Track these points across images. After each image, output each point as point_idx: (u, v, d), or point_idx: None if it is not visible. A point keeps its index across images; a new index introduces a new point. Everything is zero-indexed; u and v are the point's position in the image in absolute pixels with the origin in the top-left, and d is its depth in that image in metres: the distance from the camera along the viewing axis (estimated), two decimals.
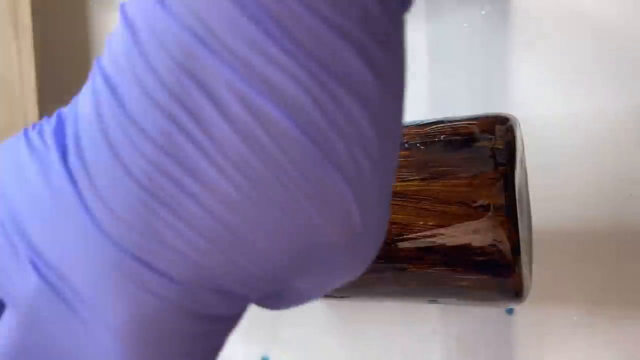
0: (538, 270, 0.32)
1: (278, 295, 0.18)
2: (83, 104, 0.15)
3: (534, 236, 0.30)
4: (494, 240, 0.22)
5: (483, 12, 0.39)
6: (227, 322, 0.16)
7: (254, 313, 0.48)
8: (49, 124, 0.16)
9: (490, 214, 0.22)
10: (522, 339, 0.39)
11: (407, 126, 0.27)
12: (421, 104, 0.41)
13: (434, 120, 0.27)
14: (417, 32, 0.40)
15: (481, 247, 0.22)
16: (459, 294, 0.24)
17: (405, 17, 0.15)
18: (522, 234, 0.24)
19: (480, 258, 0.23)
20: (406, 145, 0.25)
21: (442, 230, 0.23)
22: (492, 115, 0.26)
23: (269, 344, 0.48)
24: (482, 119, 0.26)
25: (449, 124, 0.26)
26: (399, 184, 0.24)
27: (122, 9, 0.14)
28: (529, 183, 0.30)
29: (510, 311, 0.39)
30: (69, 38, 0.54)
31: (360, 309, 0.44)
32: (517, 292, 0.24)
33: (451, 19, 0.40)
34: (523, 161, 0.27)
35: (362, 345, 0.44)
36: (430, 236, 0.23)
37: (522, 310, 0.39)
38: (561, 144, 0.37)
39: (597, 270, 0.37)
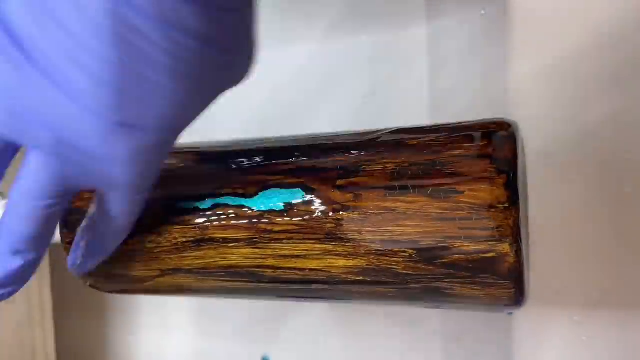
0: (538, 270, 0.32)
1: None
2: None
3: (534, 236, 0.30)
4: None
5: (483, 12, 0.39)
6: None
7: (254, 313, 0.48)
8: None
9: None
10: (522, 339, 0.39)
11: (407, 129, 0.27)
12: (421, 104, 0.41)
13: (434, 125, 0.26)
14: (417, 32, 0.40)
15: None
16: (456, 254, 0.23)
17: None
18: (524, 240, 0.23)
19: (479, 131, 0.25)
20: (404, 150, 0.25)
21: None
22: (493, 120, 0.26)
23: (269, 344, 0.48)
24: (483, 124, 0.25)
25: (450, 128, 0.26)
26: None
27: None
28: (529, 183, 0.30)
29: (510, 312, 0.39)
30: None
31: (360, 309, 0.44)
32: (517, 297, 0.24)
33: (451, 19, 0.40)
34: (524, 165, 0.27)
35: (362, 345, 0.44)
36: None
37: (522, 310, 0.39)
38: (561, 144, 0.37)
39: (597, 270, 0.37)
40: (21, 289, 0.25)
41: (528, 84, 0.38)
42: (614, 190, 0.36)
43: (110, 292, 0.32)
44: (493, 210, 0.23)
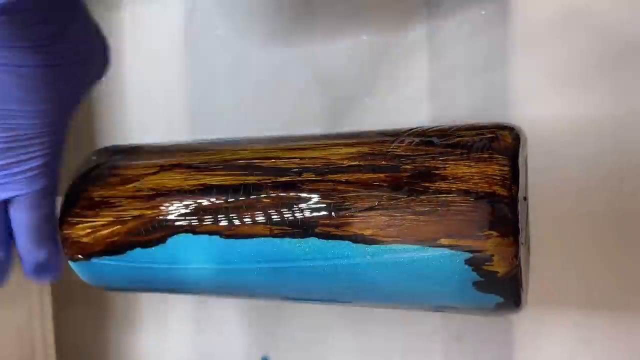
0: (538, 270, 0.32)
1: None
2: None
3: (535, 236, 0.30)
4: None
5: (483, 12, 0.39)
6: None
7: (254, 313, 0.48)
8: None
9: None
10: (522, 339, 0.39)
11: (407, 132, 0.26)
12: (421, 104, 0.41)
13: (435, 127, 0.26)
14: (417, 32, 0.40)
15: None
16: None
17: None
18: (523, 244, 0.23)
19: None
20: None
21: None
22: (496, 125, 0.25)
23: (269, 344, 0.48)
24: (486, 128, 0.25)
25: (451, 131, 0.26)
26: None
27: None
28: (529, 183, 0.30)
29: None
30: None
31: (361, 308, 0.44)
32: (515, 302, 0.24)
33: (451, 19, 0.40)
34: (525, 168, 0.26)
35: (362, 345, 0.44)
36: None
37: (522, 310, 0.39)
38: (560, 144, 0.37)
39: (597, 270, 0.37)
40: (21, 289, 0.26)
41: (528, 84, 0.38)
42: (613, 189, 0.36)
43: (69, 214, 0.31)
44: (497, 128, 0.25)
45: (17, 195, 0.27)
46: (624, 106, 0.36)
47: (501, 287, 0.23)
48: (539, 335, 0.39)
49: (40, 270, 0.30)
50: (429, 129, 0.26)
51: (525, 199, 0.26)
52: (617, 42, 0.36)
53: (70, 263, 0.30)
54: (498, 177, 0.23)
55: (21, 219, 0.28)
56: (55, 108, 0.26)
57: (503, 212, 0.22)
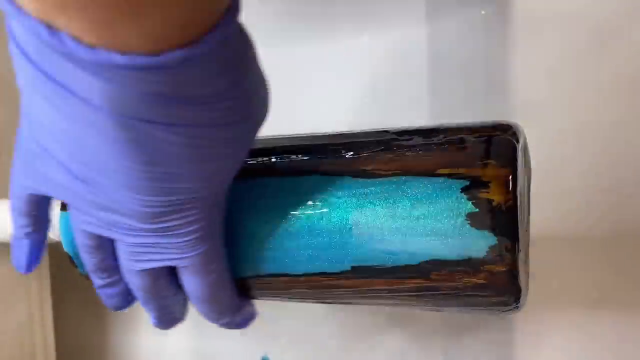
0: (538, 271, 0.32)
1: None
2: None
3: (535, 235, 0.30)
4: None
5: (483, 12, 0.39)
6: None
7: None
8: None
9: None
10: (522, 339, 0.39)
11: (406, 131, 0.26)
12: (421, 105, 0.41)
13: (434, 127, 0.26)
14: (417, 32, 0.40)
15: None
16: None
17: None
18: (522, 247, 0.23)
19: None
20: (404, 151, 0.25)
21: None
22: (495, 124, 0.25)
23: (269, 344, 0.48)
24: (485, 127, 0.25)
25: (450, 131, 0.25)
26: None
27: None
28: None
29: None
30: None
31: (360, 309, 0.44)
32: (515, 301, 0.24)
33: (451, 19, 0.40)
34: (527, 166, 0.26)
35: (362, 345, 0.44)
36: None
37: (522, 310, 0.39)
38: (560, 145, 0.37)
39: (597, 270, 0.37)
40: (21, 289, 0.25)
41: (527, 84, 0.38)
42: (613, 190, 0.36)
43: None
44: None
45: (180, 260, 0.25)
46: (624, 105, 0.36)
47: (496, 221, 0.22)
48: (539, 335, 0.39)
49: (226, 326, 0.29)
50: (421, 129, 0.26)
51: (526, 230, 0.26)
52: (616, 43, 0.36)
53: (61, 213, 0.29)
54: (500, 130, 0.24)
55: (190, 287, 0.26)
56: (220, 169, 0.23)
57: (503, 143, 0.23)
